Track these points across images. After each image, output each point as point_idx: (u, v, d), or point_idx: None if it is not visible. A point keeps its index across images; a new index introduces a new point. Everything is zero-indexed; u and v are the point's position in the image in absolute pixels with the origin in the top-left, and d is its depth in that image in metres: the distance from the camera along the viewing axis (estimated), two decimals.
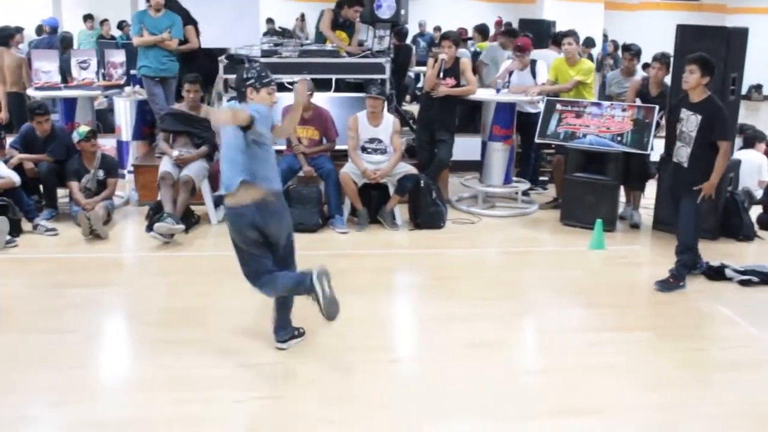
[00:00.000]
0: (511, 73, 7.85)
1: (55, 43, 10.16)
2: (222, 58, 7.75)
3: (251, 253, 4.20)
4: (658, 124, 7.00)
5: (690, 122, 5.51)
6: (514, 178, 8.00)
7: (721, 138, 5.43)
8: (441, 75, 7.30)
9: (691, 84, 5.45)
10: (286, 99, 7.37)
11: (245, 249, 4.21)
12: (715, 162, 5.41)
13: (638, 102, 7.16)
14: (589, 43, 8.87)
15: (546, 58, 8.13)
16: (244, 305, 5.14)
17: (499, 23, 14.52)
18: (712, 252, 6.15)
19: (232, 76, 7.35)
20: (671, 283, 5.61)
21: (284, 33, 15.48)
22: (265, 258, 4.24)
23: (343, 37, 8.40)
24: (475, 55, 9.76)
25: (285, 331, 4.50)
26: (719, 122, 5.44)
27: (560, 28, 9.80)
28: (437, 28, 15.82)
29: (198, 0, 8.27)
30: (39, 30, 11.02)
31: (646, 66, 8.61)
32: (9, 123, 8.73)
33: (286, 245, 4.33)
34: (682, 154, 5.58)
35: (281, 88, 8.07)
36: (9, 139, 7.69)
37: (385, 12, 7.96)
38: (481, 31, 11.52)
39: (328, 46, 8.29)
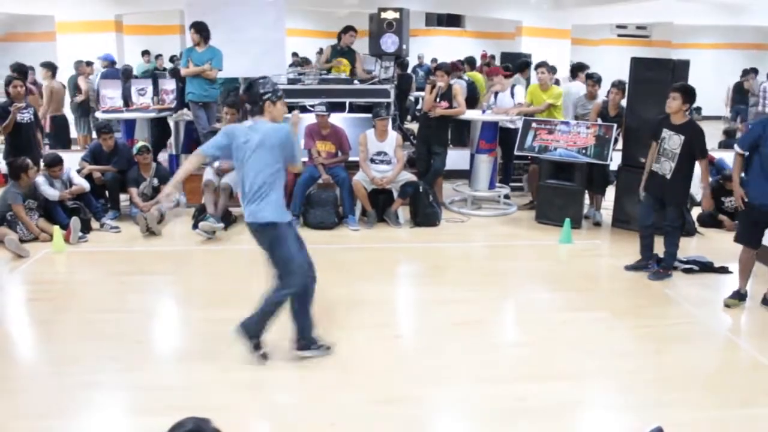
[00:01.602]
0: (496, 94, 7.83)
1: (118, 74, 10.19)
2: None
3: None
4: (615, 140, 6.98)
5: (672, 141, 5.32)
6: (497, 184, 7.97)
7: (702, 156, 5.30)
8: (437, 99, 7.29)
9: (674, 109, 5.28)
10: (308, 119, 7.38)
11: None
12: (701, 179, 5.40)
13: (599, 121, 7.13)
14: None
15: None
16: None
17: (484, 56, 14.44)
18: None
19: None
20: (661, 273, 5.55)
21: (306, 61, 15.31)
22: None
23: (344, 62, 8.37)
24: (470, 85, 9.67)
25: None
26: (699, 142, 5.28)
27: (535, 60, 9.75)
28: (433, 60, 15.74)
29: (231, 35, 8.25)
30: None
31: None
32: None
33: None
34: (666, 167, 5.37)
35: (303, 110, 8.09)
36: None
37: (390, 47, 7.93)
38: (470, 62, 11.45)
39: (342, 75, 8.28)
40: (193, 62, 7.65)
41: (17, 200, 6.16)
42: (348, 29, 8.52)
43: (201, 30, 7.60)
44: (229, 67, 7.88)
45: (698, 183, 7.67)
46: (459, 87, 7.56)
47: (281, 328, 4.44)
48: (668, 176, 5.37)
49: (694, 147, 5.26)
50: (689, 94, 5.25)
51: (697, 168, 5.41)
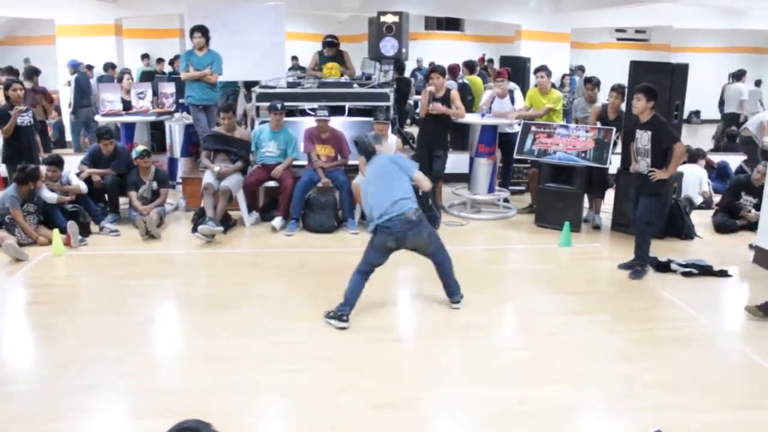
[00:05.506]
0: (493, 100, 7.84)
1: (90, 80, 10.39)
2: (255, 89, 7.77)
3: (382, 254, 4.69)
4: (615, 143, 6.99)
5: (643, 138, 5.61)
6: (497, 188, 7.98)
7: (672, 142, 5.51)
8: (431, 104, 7.28)
9: (639, 109, 5.57)
10: (308, 122, 7.40)
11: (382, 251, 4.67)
12: (672, 159, 5.49)
13: (598, 125, 7.15)
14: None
15: None
16: (273, 294, 5.15)
17: (482, 59, 14.46)
18: (660, 249, 6.14)
19: (265, 104, 7.39)
20: (639, 271, 5.64)
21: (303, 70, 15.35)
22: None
23: (335, 66, 8.39)
24: (463, 86, 9.70)
25: (456, 294, 4.89)
26: (665, 131, 5.53)
27: (534, 64, 9.76)
28: (430, 64, 15.77)
29: (231, 38, 8.28)
30: (106, 67, 10.98)
31: None
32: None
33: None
34: (642, 165, 5.65)
35: (303, 113, 8.12)
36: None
37: (389, 50, 7.94)
38: (469, 65, 11.47)
39: (342, 79, 8.29)
40: (193, 66, 7.67)
41: (15, 205, 6.16)
42: (326, 45, 8.56)
43: (205, 33, 7.65)
44: (228, 70, 7.91)
45: (697, 188, 7.81)
46: (456, 92, 7.56)
47: (281, 329, 4.46)
48: (645, 173, 5.61)
49: (661, 138, 5.49)
50: (651, 93, 5.51)
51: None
